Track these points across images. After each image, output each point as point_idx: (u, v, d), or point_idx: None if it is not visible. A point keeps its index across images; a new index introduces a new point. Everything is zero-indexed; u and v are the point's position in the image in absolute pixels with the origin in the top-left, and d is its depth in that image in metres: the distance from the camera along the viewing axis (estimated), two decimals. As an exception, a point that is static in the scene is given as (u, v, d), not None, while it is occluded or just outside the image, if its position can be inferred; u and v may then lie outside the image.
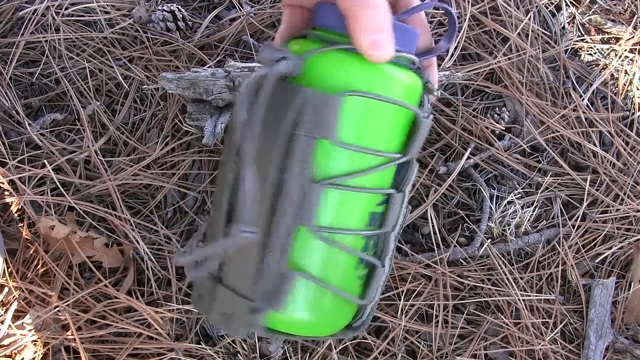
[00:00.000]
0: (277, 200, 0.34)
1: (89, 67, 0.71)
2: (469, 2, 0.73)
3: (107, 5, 0.74)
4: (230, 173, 0.35)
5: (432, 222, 0.64)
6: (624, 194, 0.67)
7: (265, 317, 0.36)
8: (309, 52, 0.34)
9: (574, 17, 0.75)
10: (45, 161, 0.64)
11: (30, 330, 0.58)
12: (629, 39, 0.75)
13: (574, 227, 0.65)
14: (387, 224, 0.38)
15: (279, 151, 0.33)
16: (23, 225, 0.62)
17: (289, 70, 0.33)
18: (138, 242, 0.62)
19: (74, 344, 0.58)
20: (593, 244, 0.65)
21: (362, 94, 0.35)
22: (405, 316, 0.60)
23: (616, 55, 0.74)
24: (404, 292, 0.61)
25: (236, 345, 0.59)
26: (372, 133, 0.36)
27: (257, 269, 0.35)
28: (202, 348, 0.59)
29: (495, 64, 0.70)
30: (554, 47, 0.73)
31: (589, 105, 0.71)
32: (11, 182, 0.64)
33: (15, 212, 0.63)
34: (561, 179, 0.67)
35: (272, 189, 0.34)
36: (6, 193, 0.63)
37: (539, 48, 0.72)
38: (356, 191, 0.36)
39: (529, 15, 0.74)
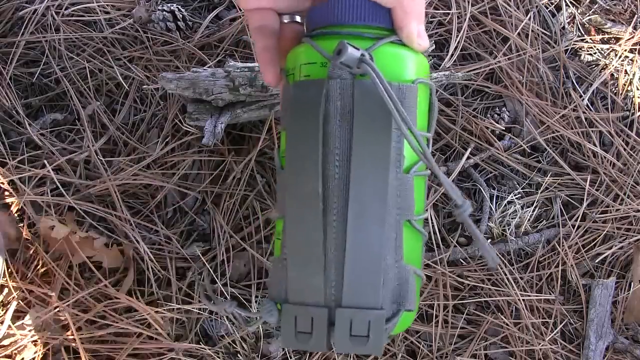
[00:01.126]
0: (385, 198, 0.34)
1: (89, 67, 0.71)
2: (469, 2, 0.73)
3: (107, 5, 0.74)
4: (332, 169, 0.34)
5: (432, 222, 0.64)
6: (624, 194, 0.67)
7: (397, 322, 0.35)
8: (371, 48, 0.34)
9: (574, 17, 0.75)
10: (45, 161, 0.64)
11: (30, 331, 0.58)
12: (629, 39, 0.75)
13: (574, 227, 0.65)
14: None
15: (377, 148, 0.34)
16: (23, 226, 0.62)
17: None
18: (138, 242, 0.62)
19: (74, 344, 0.58)
20: (593, 244, 0.65)
21: (423, 81, 0.36)
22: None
23: (616, 55, 0.74)
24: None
25: (236, 345, 0.59)
26: (423, 115, 0.38)
27: (377, 274, 0.34)
28: (202, 348, 0.59)
29: (495, 64, 0.70)
30: (554, 47, 0.73)
31: (589, 105, 0.71)
32: (11, 182, 0.64)
33: (15, 212, 0.63)
34: (561, 179, 0.67)
35: (376, 187, 0.34)
36: (6, 193, 0.63)
37: (539, 48, 0.72)
38: (423, 175, 0.38)
39: (529, 15, 0.74)
